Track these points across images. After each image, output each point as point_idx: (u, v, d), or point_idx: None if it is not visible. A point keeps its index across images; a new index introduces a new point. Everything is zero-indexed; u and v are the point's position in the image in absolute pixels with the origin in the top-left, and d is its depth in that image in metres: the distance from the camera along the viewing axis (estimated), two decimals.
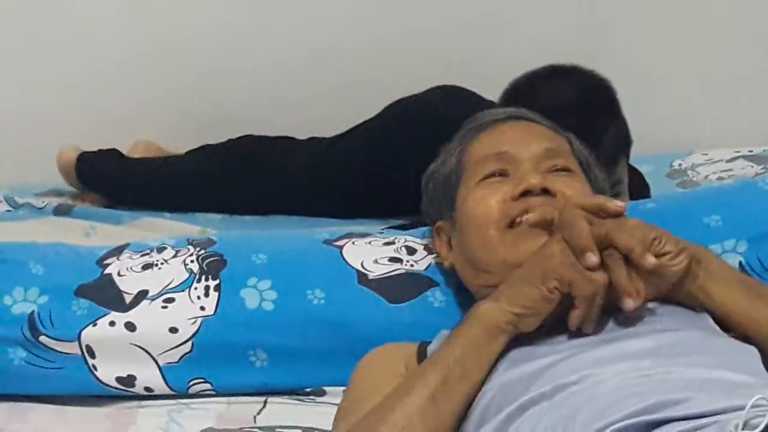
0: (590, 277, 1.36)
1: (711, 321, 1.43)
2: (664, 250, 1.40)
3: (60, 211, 2.48)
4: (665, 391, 1.19)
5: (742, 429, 1.09)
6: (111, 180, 2.60)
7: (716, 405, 1.15)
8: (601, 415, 1.18)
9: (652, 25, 2.74)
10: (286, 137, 2.56)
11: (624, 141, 2.00)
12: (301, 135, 2.56)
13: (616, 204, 1.46)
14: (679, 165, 2.61)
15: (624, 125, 2.00)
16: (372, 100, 2.46)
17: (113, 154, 2.63)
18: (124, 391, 1.66)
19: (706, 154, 2.63)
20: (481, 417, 1.32)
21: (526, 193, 1.52)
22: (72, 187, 2.67)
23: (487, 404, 1.32)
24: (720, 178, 2.47)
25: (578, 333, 1.37)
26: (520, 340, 1.39)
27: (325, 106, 2.73)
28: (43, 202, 2.52)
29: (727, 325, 1.43)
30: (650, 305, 1.41)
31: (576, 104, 1.90)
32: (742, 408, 1.11)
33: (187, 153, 2.63)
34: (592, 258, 1.37)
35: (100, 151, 2.62)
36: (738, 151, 2.61)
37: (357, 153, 2.40)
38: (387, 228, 2.07)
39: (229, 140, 2.59)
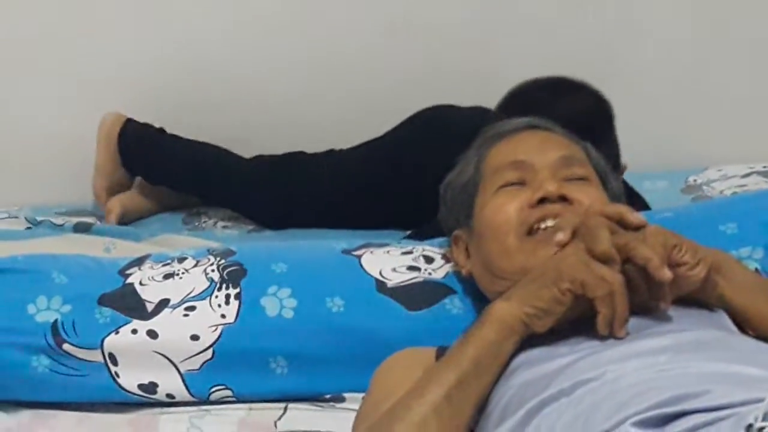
0: (603, 278, 1.37)
1: (728, 320, 1.44)
2: (683, 259, 1.42)
3: (79, 228, 2.49)
4: (684, 385, 1.20)
5: (762, 421, 1.10)
6: (151, 146, 2.60)
7: (735, 397, 1.16)
8: (621, 409, 1.19)
9: (667, 42, 2.74)
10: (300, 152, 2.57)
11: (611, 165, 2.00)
12: (314, 149, 2.58)
13: (637, 217, 1.47)
14: (694, 180, 2.62)
15: (612, 150, 1.99)
16: (381, 113, 2.47)
17: (159, 129, 2.63)
18: (146, 398, 1.68)
19: (720, 170, 2.64)
20: (501, 416, 1.33)
21: (543, 200, 1.54)
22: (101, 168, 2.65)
23: (507, 403, 1.33)
24: (735, 194, 2.48)
25: (597, 333, 1.38)
26: (540, 341, 1.40)
27: (331, 122, 2.74)
28: (63, 220, 2.54)
29: (744, 326, 1.44)
30: (667, 309, 1.42)
31: (570, 123, 1.90)
32: (761, 400, 1.12)
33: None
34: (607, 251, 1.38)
35: (146, 123, 2.64)
36: (752, 167, 2.62)
37: (380, 161, 2.41)
38: (403, 238, 2.08)
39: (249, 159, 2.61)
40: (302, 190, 2.47)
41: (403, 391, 1.39)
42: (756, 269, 1.69)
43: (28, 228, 2.49)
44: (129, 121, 2.64)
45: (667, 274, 1.38)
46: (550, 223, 1.52)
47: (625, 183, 2.13)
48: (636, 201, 2.14)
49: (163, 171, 2.61)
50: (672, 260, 1.41)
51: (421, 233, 2.04)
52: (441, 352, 1.52)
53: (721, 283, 1.45)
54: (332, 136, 2.57)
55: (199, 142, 2.64)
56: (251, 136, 2.70)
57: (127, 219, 2.62)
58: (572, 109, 1.92)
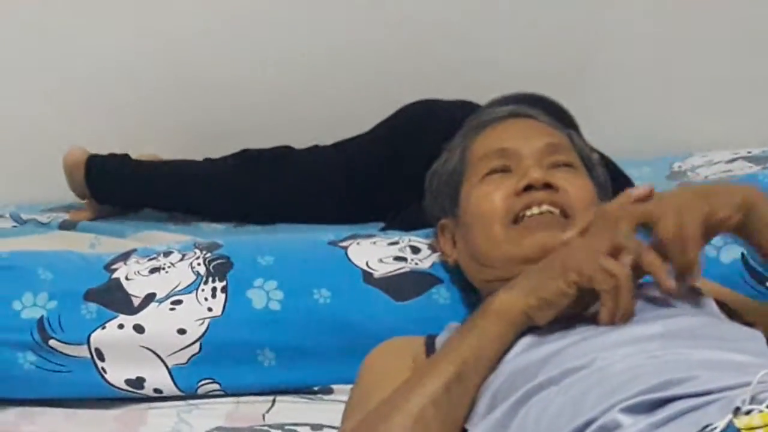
0: (610, 271, 1.34)
1: (716, 307, 1.43)
2: (719, 217, 1.37)
3: (65, 225, 2.49)
4: (673, 371, 1.20)
5: (749, 404, 1.10)
6: (120, 180, 2.57)
7: (723, 382, 1.16)
8: (611, 395, 1.18)
9: (649, 27, 2.74)
10: (287, 147, 2.57)
11: None
12: (303, 146, 2.57)
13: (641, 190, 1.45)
14: (679, 167, 2.61)
15: None
16: (371, 107, 2.46)
17: (124, 156, 2.63)
18: (134, 393, 1.67)
19: (705, 156, 2.63)
20: (490, 403, 1.33)
21: (528, 188, 1.54)
22: (74, 192, 2.65)
23: (496, 391, 1.33)
24: (720, 179, 2.48)
25: (587, 319, 1.37)
26: (529, 327, 1.39)
27: (324, 116, 2.74)
28: (48, 217, 2.54)
29: (731, 313, 1.44)
30: (657, 293, 1.42)
31: None
32: (748, 384, 1.12)
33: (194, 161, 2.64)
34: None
35: (110, 153, 2.63)
36: (737, 153, 2.61)
37: (367, 155, 2.41)
38: (380, 229, 2.07)
39: (233, 153, 2.60)
40: (291, 186, 2.47)
41: (391, 380, 1.39)
42: (742, 254, 1.69)
43: (15, 226, 2.48)
44: (92, 159, 2.58)
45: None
46: (535, 210, 1.52)
47: (614, 165, 2.13)
48: (623, 182, 2.14)
49: (142, 199, 2.57)
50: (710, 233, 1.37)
51: (396, 221, 2.04)
52: (430, 340, 1.52)
53: (751, 220, 1.39)
54: (323, 132, 2.56)
55: (167, 161, 2.61)
56: (239, 132, 2.69)
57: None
58: None
